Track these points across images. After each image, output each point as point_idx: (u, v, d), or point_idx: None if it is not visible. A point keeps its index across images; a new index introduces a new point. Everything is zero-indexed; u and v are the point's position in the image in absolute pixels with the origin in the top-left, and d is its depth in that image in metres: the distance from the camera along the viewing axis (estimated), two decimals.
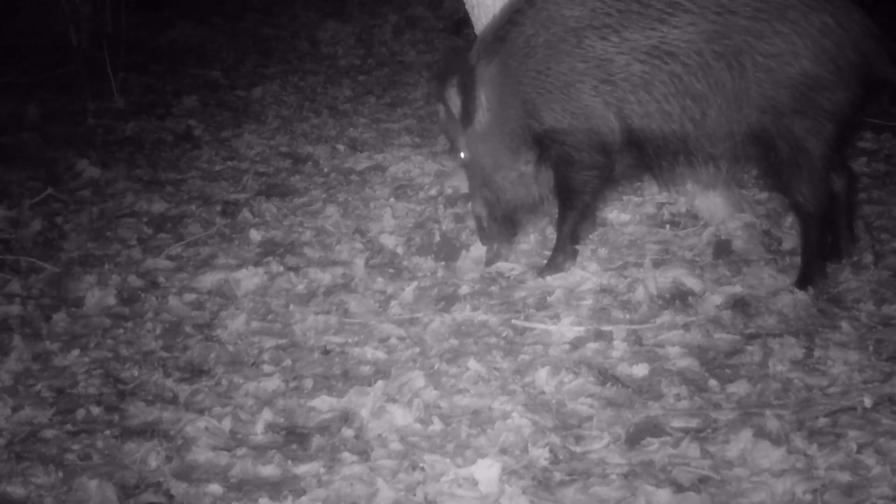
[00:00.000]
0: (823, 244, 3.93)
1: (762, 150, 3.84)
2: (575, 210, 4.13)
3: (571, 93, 3.95)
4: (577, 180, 4.08)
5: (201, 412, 3.25)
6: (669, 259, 4.14)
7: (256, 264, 4.34)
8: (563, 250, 4.15)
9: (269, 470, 2.95)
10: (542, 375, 3.34)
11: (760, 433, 2.94)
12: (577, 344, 3.58)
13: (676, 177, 4.08)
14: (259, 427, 3.17)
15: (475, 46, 4.20)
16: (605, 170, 4.05)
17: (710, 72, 3.77)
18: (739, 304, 3.78)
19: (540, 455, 2.91)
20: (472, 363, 3.43)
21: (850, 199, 4.17)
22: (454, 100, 4.09)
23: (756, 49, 3.72)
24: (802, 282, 3.86)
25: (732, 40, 3.74)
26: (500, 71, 4.07)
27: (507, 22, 4.08)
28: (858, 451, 2.86)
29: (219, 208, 5.14)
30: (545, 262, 4.19)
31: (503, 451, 2.96)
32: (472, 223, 4.62)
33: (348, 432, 3.11)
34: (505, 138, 4.13)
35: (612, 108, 3.92)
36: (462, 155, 4.19)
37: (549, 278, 4.05)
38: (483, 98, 4.08)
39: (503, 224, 4.25)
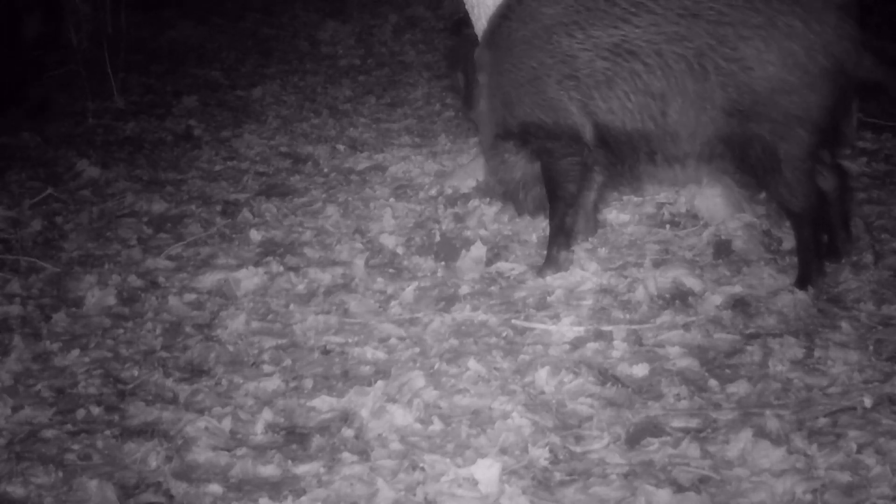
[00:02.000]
0: (818, 243, 3.93)
1: (736, 153, 3.86)
2: (561, 200, 4.17)
3: (539, 86, 4.04)
4: (556, 170, 4.15)
5: (201, 412, 3.24)
6: (669, 259, 4.14)
7: (256, 264, 4.34)
8: (556, 243, 4.17)
9: (269, 470, 2.95)
10: (542, 375, 3.34)
11: (760, 433, 2.94)
12: (577, 344, 3.59)
13: (642, 175, 4.14)
14: (259, 427, 3.17)
15: (483, 36, 4.34)
16: (581, 162, 4.12)
17: (669, 72, 3.81)
18: (739, 304, 3.78)
19: (540, 455, 2.91)
20: (472, 363, 3.42)
21: (845, 199, 4.17)
22: (460, 83, 4.30)
23: (719, 53, 3.75)
24: (801, 282, 3.86)
25: (694, 43, 3.77)
26: (491, 62, 4.18)
27: (500, 14, 4.19)
28: (858, 451, 2.86)
29: (219, 208, 5.14)
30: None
31: (503, 451, 2.96)
32: (471, 223, 4.63)
33: (348, 432, 3.11)
34: (493, 126, 4.25)
35: (577, 103, 3.99)
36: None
37: (549, 278, 4.05)
38: (482, 84, 4.22)
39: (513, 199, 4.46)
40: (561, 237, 4.18)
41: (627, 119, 3.93)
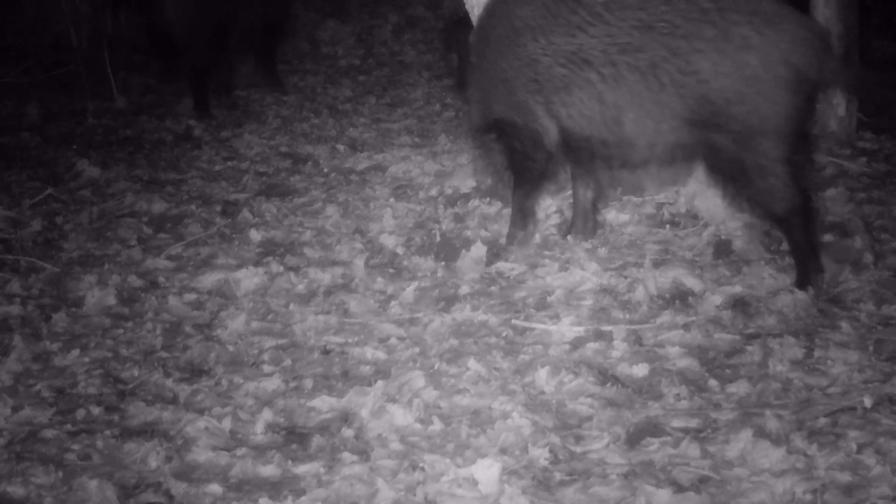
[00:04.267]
0: (813, 243, 3.92)
1: (708, 161, 3.89)
2: (520, 190, 4.36)
3: (509, 87, 4.13)
4: (515, 168, 4.31)
5: (201, 412, 3.24)
6: (669, 259, 4.14)
7: (256, 264, 4.34)
8: (514, 222, 4.39)
9: (269, 470, 2.94)
10: (542, 375, 3.34)
11: (760, 433, 2.94)
12: (577, 344, 3.59)
13: (602, 178, 4.28)
14: (259, 427, 3.16)
15: (476, 24, 4.46)
16: (541, 164, 4.22)
17: (623, 82, 3.87)
18: (739, 304, 3.78)
19: (540, 455, 2.91)
20: (472, 363, 3.42)
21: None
22: (454, 63, 4.49)
23: (674, 65, 3.78)
24: (801, 283, 3.87)
25: (648, 54, 3.81)
26: (476, 54, 4.29)
27: (487, 9, 4.28)
28: (858, 451, 2.86)
29: (219, 208, 5.14)
30: (545, 262, 4.20)
31: (503, 451, 2.95)
32: (471, 223, 4.63)
33: (348, 432, 3.11)
34: (478, 115, 4.36)
35: (542, 106, 4.06)
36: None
37: (548, 278, 4.05)
38: (471, 69, 4.35)
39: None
40: (518, 218, 4.37)
41: (585, 125, 3.99)
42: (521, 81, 4.07)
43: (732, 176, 3.84)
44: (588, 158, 4.10)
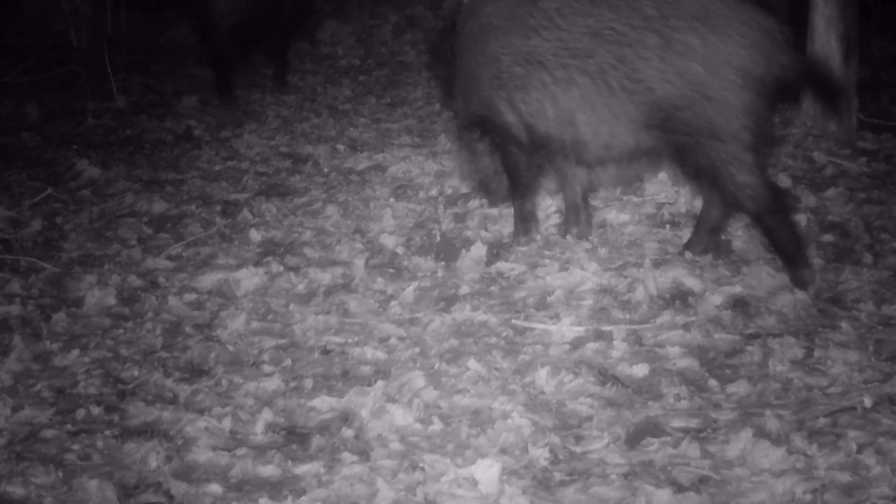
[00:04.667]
0: (794, 239, 3.93)
1: (672, 160, 3.94)
2: (517, 190, 4.38)
3: (477, 85, 4.21)
4: (506, 164, 4.35)
5: (201, 412, 3.24)
6: (669, 259, 4.14)
7: (256, 264, 4.34)
8: (517, 229, 4.42)
9: (269, 470, 2.94)
10: (542, 375, 3.34)
11: (760, 433, 2.94)
12: (577, 344, 3.58)
13: (567, 175, 4.30)
14: (259, 427, 3.16)
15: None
16: (525, 158, 4.26)
17: (574, 86, 3.94)
18: (739, 304, 3.78)
19: (540, 455, 2.91)
20: (472, 363, 3.42)
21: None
22: (443, 74, 4.50)
23: (622, 72, 3.85)
24: (795, 280, 3.89)
25: (596, 60, 3.88)
26: (455, 54, 4.37)
27: (466, 7, 4.34)
28: (858, 451, 2.86)
29: (219, 208, 5.14)
30: (545, 262, 4.20)
31: (503, 451, 2.96)
32: (471, 223, 4.63)
33: (348, 432, 3.11)
34: (461, 112, 4.42)
35: (505, 103, 4.13)
36: None
37: (549, 278, 4.05)
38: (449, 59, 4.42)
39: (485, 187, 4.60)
40: (520, 224, 4.40)
41: (544, 123, 4.06)
42: (486, 78, 4.15)
43: (697, 175, 3.91)
44: (553, 156, 4.17)
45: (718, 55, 3.73)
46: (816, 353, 3.43)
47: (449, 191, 5.05)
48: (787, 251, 3.90)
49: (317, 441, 3.07)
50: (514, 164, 4.29)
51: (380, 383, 3.32)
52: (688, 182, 4.08)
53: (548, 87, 3.99)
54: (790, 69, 3.81)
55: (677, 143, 3.85)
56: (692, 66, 3.75)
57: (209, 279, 4.25)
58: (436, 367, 3.46)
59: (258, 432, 3.15)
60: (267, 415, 3.21)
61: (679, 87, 3.78)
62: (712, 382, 3.30)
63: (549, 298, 3.92)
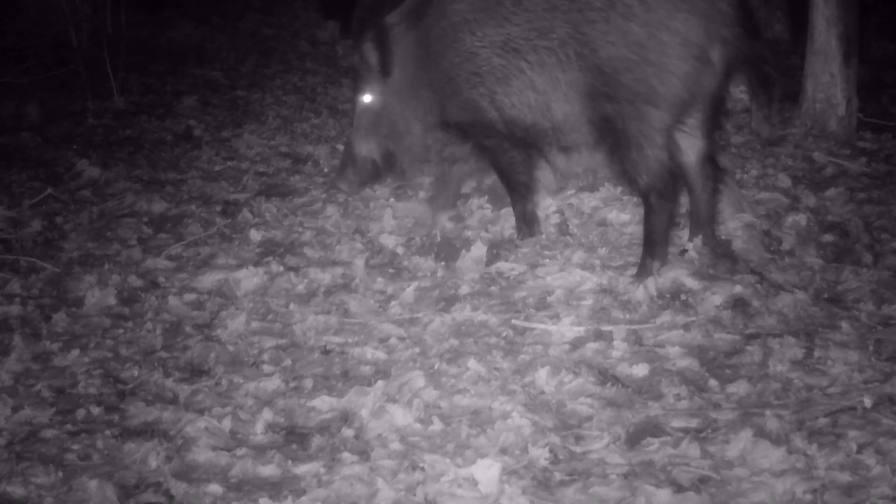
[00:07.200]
0: (665, 231, 3.97)
1: (600, 134, 3.94)
2: (517, 192, 4.36)
3: (455, 87, 4.19)
4: (500, 164, 4.33)
5: (201, 412, 3.24)
6: (669, 259, 4.14)
7: (256, 264, 4.34)
8: (521, 230, 4.41)
9: (269, 470, 2.94)
10: (542, 375, 3.34)
11: (760, 433, 2.94)
12: (577, 344, 3.58)
13: (556, 163, 4.29)
14: (259, 427, 3.16)
15: (398, 9, 4.43)
16: (516, 153, 4.26)
17: (545, 67, 3.95)
18: (739, 304, 3.78)
19: (540, 455, 2.91)
20: (472, 363, 3.42)
21: (710, 196, 4.17)
22: (370, 52, 4.35)
23: (575, 39, 3.87)
24: (639, 267, 3.95)
25: (557, 34, 3.91)
26: (416, 46, 4.30)
27: (426, 3, 4.29)
28: (858, 451, 2.86)
29: (219, 208, 5.14)
30: (545, 262, 4.20)
31: (503, 451, 2.95)
32: (471, 223, 4.63)
33: (348, 432, 3.11)
34: (415, 103, 4.37)
35: (487, 99, 4.12)
36: (367, 98, 4.43)
37: (549, 278, 4.05)
38: (399, 58, 4.33)
39: (374, 167, 4.56)
40: (524, 225, 4.40)
41: (527, 113, 4.07)
42: (464, 77, 4.14)
43: (612, 147, 3.91)
44: (534, 145, 4.17)
45: (657, 18, 3.75)
46: (816, 353, 3.43)
47: None
48: (653, 237, 3.95)
49: (317, 441, 3.07)
50: (510, 162, 4.27)
51: (380, 383, 3.32)
52: (599, 153, 4.04)
53: (525, 74, 4.00)
54: (733, 45, 3.81)
55: (608, 111, 3.85)
56: (633, 27, 3.77)
57: (209, 279, 4.25)
58: (436, 367, 3.46)
59: (258, 432, 3.15)
60: (267, 415, 3.21)
61: (620, 49, 3.79)
62: (712, 382, 3.30)
63: (549, 298, 3.92)
